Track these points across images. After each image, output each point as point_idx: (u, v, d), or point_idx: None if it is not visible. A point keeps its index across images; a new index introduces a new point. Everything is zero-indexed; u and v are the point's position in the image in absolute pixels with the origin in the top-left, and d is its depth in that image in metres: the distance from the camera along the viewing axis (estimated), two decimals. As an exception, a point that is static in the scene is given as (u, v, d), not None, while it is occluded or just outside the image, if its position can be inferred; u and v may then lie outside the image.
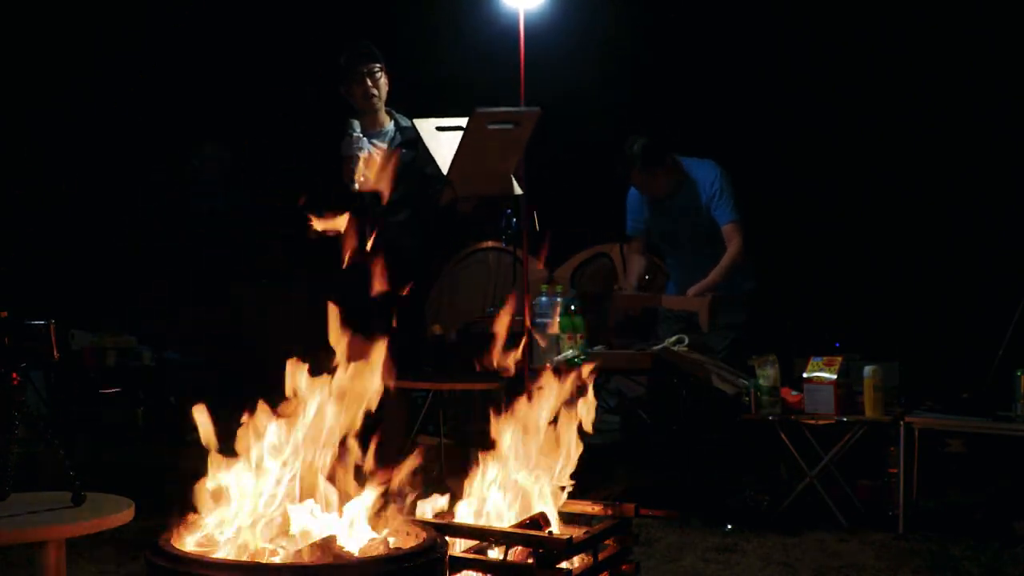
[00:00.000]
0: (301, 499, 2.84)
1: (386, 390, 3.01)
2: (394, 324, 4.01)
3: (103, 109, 7.37)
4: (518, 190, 4.79)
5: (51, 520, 2.87)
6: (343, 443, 2.95)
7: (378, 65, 5.29)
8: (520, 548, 3.02)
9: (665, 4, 6.99)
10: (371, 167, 5.19)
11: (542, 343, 4.77)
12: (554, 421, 3.37)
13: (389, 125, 5.37)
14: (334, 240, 3.53)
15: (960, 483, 5.28)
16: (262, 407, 2.88)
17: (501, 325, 3.84)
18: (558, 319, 4.93)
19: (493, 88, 5.32)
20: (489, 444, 3.30)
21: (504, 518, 3.21)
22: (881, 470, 4.86)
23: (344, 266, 3.54)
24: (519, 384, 4.04)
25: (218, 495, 2.80)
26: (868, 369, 4.69)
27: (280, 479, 2.83)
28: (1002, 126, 6.25)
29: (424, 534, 2.80)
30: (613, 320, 5.46)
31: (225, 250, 6.57)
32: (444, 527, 3.00)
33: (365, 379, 2.96)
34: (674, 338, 5.05)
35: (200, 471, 2.81)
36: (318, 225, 3.50)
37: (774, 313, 5.96)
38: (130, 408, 6.24)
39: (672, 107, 6.78)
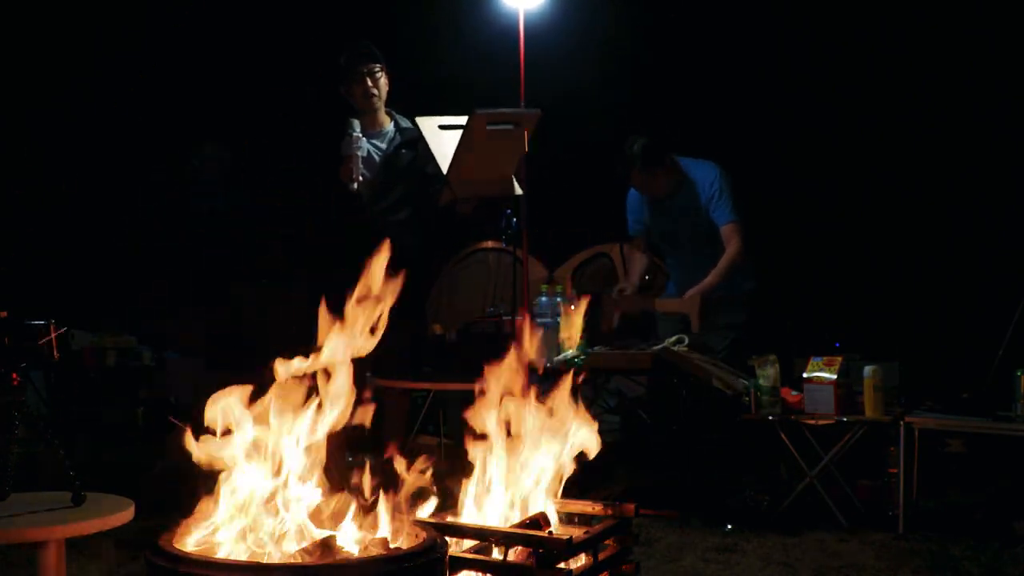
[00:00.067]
0: (301, 499, 2.84)
1: (386, 390, 3.02)
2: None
3: (103, 109, 7.37)
4: (518, 191, 4.79)
5: (51, 520, 2.87)
6: (343, 442, 2.95)
7: (378, 65, 5.29)
8: (520, 548, 3.02)
9: (665, 4, 6.99)
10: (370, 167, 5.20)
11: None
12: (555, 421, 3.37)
13: (389, 125, 5.37)
14: (334, 240, 3.53)
15: (960, 483, 5.28)
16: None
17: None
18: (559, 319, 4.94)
19: (493, 88, 5.33)
20: (488, 444, 3.30)
21: (504, 518, 3.21)
22: (881, 470, 4.86)
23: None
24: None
25: (219, 495, 2.80)
26: (868, 369, 4.69)
27: (280, 479, 2.83)
28: (1002, 126, 6.24)
29: (424, 534, 2.80)
30: (607, 324, 5.46)
31: (225, 250, 6.56)
32: (444, 527, 3.00)
33: (353, 375, 2.95)
34: (674, 338, 5.05)
35: (200, 471, 2.81)
36: None
37: (774, 313, 5.96)
38: (130, 408, 6.23)
39: (672, 107, 6.77)
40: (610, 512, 3.30)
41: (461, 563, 2.99)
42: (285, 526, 2.77)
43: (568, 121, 6.03)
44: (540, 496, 3.28)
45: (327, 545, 2.63)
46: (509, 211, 4.85)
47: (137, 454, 5.67)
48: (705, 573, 4.17)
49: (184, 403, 5.88)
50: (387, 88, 5.34)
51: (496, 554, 3.04)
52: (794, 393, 4.85)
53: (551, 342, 4.93)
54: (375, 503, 2.89)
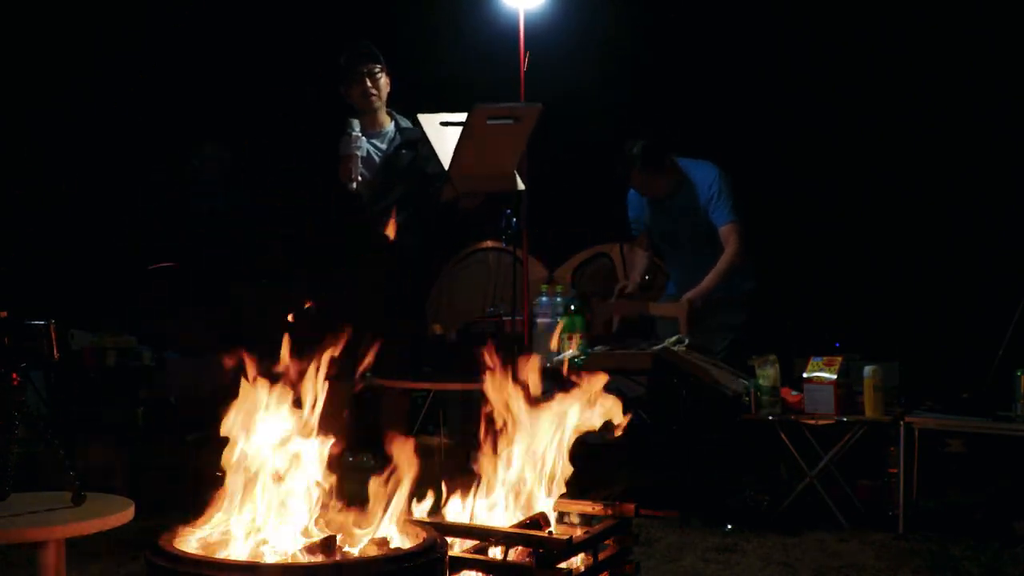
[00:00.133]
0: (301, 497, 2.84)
1: (386, 390, 3.02)
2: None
3: (103, 109, 7.37)
4: (520, 185, 4.78)
5: (51, 520, 2.87)
6: (341, 441, 2.95)
7: (378, 65, 5.29)
8: (520, 548, 3.02)
9: (665, 4, 6.98)
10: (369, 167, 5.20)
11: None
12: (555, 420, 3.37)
13: (389, 125, 5.37)
14: (334, 240, 3.53)
15: (960, 483, 5.28)
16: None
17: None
18: (559, 319, 4.93)
19: (493, 88, 5.32)
20: (488, 444, 3.30)
21: (504, 518, 3.21)
22: (881, 470, 4.86)
23: None
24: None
25: (219, 496, 2.80)
26: (868, 369, 4.69)
27: (279, 479, 2.83)
28: (1002, 126, 6.24)
29: (424, 534, 2.80)
30: (599, 327, 5.46)
31: (225, 250, 6.56)
32: (444, 527, 3.00)
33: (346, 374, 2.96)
34: (674, 338, 5.05)
35: (201, 471, 2.81)
36: None
37: (774, 313, 5.96)
38: (130, 408, 6.22)
39: (672, 107, 6.77)
40: (610, 512, 3.30)
41: (461, 563, 2.99)
42: (285, 526, 2.77)
43: (568, 121, 6.03)
44: (540, 496, 3.27)
45: (327, 545, 2.63)
46: (509, 211, 4.85)
47: (137, 454, 5.66)
48: (705, 573, 4.17)
49: (186, 400, 5.86)
50: (387, 88, 5.34)
51: (496, 554, 3.04)
52: (794, 393, 4.85)
53: (551, 342, 4.93)
54: (375, 503, 2.89)
